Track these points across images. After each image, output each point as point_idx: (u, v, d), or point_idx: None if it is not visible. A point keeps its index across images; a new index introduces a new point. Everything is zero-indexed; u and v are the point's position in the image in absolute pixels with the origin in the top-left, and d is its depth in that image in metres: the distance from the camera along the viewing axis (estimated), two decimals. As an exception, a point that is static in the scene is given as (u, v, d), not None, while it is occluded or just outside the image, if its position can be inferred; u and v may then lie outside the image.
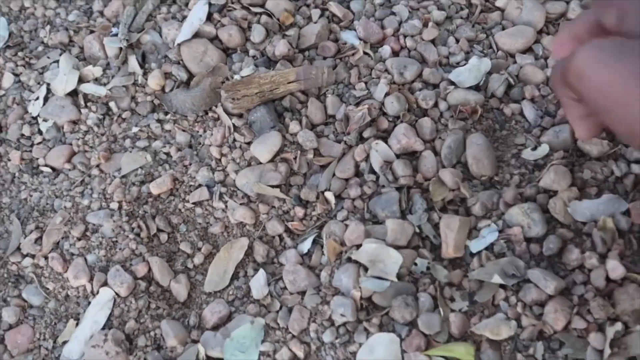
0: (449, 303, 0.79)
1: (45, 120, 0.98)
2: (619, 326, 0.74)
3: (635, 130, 0.52)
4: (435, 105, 0.90)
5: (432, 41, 0.96)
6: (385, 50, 0.96)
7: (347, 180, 0.87)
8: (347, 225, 0.83)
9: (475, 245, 0.81)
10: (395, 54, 0.96)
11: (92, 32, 1.03)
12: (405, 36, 0.96)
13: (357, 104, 0.90)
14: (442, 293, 0.79)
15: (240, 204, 0.87)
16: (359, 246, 0.82)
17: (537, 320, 0.76)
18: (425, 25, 0.97)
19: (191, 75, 0.97)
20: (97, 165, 0.93)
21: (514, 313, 0.77)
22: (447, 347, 0.76)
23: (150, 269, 0.85)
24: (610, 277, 0.77)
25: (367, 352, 0.77)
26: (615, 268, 0.76)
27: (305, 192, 0.86)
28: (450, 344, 0.76)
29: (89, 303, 0.84)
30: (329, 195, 0.86)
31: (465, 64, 0.94)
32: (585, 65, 0.54)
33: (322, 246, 0.84)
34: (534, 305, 0.77)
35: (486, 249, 0.80)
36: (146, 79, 0.97)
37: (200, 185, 0.89)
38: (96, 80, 0.99)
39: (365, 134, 0.88)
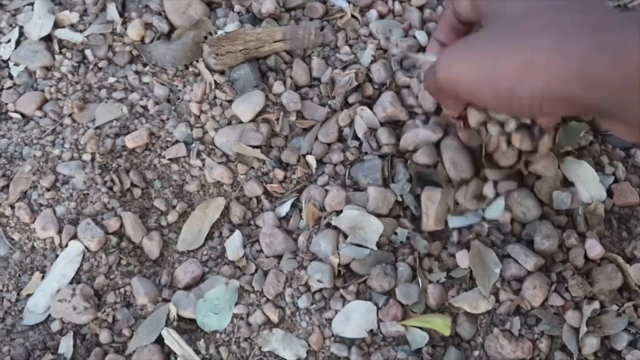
0: (427, 274, 0.78)
1: (16, 64, 0.94)
2: (596, 305, 0.74)
3: (504, 108, 0.58)
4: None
5: (420, 8, 0.94)
6: (372, 13, 0.94)
7: (329, 145, 0.85)
8: (327, 191, 0.82)
9: (455, 222, 0.80)
10: (381, 17, 0.94)
11: (70, -24, 0.99)
12: (393, 0, 0.94)
13: (344, 68, 0.88)
14: (420, 264, 0.78)
15: (219, 163, 0.85)
16: (339, 212, 0.80)
17: (515, 295, 0.76)
18: (414, -8, 0.96)
19: (172, 28, 0.93)
20: (70, 115, 0.89)
21: (493, 288, 0.76)
22: (424, 318, 0.75)
23: (122, 225, 0.82)
24: (589, 257, 0.77)
25: (342, 320, 0.76)
26: (593, 247, 0.76)
27: (286, 154, 0.84)
28: (427, 315, 0.76)
29: (57, 256, 0.81)
30: (310, 159, 0.84)
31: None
32: (445, 75, 0.59)
33: (300, 210, 0.82)
34: (513, 281, 0.76)
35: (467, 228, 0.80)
36: (125, 29, 0.93)
37: (177, 142, 0.86)
38: (72, 27, 0.95)
39: (350, 100, 0.87)
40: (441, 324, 0.75)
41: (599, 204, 0.79)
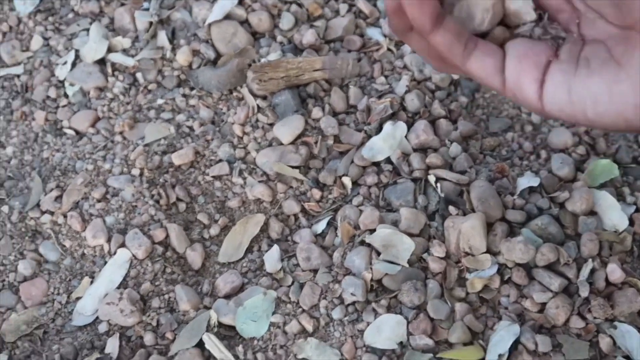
0: (455, 293, 0.82)
1: (71, 84, 1.00)
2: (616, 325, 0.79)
3: None
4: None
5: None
6: (407, 47, 0.99)
7: (364, 167, 0.90)
8: (361, 211, 0.86)
9: None
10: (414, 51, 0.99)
11: (123, 4, 1.05)
12: (428, 36, 1.00)
13: (379, 97, 0.93)
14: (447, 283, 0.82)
15: (259, 181, 0.90)
16: (372, 231, 0.85)
17: (539, 314, 0.80)
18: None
19: (218, 55, 0.99)
20: (121, 132, 0.95)
21: (516, 308, 0.81)
22: (455, 352, 0.79)
23: (167, 235, 0.88)
24: (610, 280, 0.81)
25: (374, 331, 0.80)
26: (614, 271, 0.81)
27: (323, 175, 0.89)
28: (458, 350, 0.79)
29: (105, 262, 0.86)
30: (346, 180, 0.89)
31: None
32: None
33: (336, 228, 0.87)
34: (537, 302, 0.80)
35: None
36: (174, 54, 1.00)
37: (220, 160, 0.92)
38: (124, 51, 1.02)
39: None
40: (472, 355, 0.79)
41: (624, 233, 0.83)
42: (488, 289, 0.82)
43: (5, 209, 0.91)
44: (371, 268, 0.82)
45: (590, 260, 0.81)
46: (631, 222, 0.86)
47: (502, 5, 0.53)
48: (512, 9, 0.54)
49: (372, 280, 0.81)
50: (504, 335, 0.79)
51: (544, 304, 0.80)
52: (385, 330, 0.80)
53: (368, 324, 0.80)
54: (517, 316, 0.81)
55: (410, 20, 0.51)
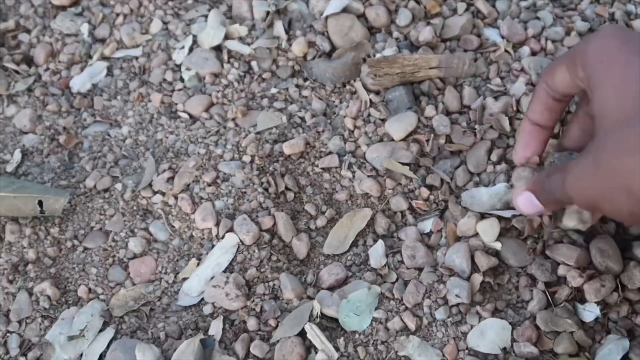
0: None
1: (188, 69, 1.02)
2: None
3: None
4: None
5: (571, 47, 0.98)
6: (525, 50, 0.98)
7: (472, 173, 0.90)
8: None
9: None
10: (533, 54, 0.98)
11: (242, -7, 1.07)
12: (547, 39, 0.98)
13: (495, 98, 0.92)
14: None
15: (368, 176, 0.90)
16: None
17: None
18: (567, 33, 0.99)
19: (334, 48, 1.00)
20: (233, 119, 0.97)
21: (627, 323, 0.79)
22: None
23: (275, 224, 0.88)
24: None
25: (477, 334, 0.79)
26: None
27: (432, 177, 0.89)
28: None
29: (213, 246, 0.88)
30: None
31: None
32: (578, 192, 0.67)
33: (441, 229, 0.87)
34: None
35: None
36: (290, 45, 1.00)
37: (330, 152, 0.92)
38: (241, 39, 1.03)
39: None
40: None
41: None
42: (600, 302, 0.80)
43: (119, 186, 0.94)
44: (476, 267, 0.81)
45: None
46: None
47: None
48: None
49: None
50: (612, 348, 0.77)
51: (656, 321, 0.78)
52: (489, 334, 0.79)
53: (472, 326, 0.79)
54: (627, 332, 0.79)
55: None
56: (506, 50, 0.98)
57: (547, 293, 0.80)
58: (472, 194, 0.87)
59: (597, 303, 0.79)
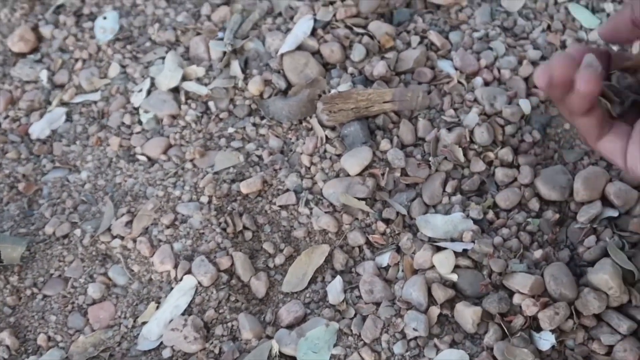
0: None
1: (146, 111, 1.02)
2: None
3: None
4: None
5: (526, 79, 0.99)
6: (478, 80, 0.98)
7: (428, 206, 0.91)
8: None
9: None
10: (486, 84, 0.98)
11: (198, 34, 1.07)
12: (499, 69, 0.99)
13: (449, 129, 0.93)
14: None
15: (325, 212, 0.90)
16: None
17: (606, 357, 0.78)
18: (520, 62, 1.00)
19: (290, 85, 1.00)
20: (192, 160, 0.97)
21: (583, 350, 0.79)
22: None
23: (233, 263, 0.88)
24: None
25: (436, 367, 0.79)
26: None
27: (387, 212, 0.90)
28: None
29: (172, 288, 0.88)
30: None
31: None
32: None
33: (398, 262, 0.87)
34: (604, 344, 0.78)
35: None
36: (246, 84, 1.01)
37: (288, 190, 0.92)
38: (198, 80, 1.04)
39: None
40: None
41: None
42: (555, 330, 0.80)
43: (77, 232, 0.94)
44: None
45: (661, 303, 0.79)
46: None
47: None
48: None
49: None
50: (569, 378, 0.77)
51: (611, 347, 0.78)
52: (447, 366, 0.79)
53: (430, 359, 0.80)
54: (584, 358, 0.79)
55: (569, 104, 0.60)
56: (459, 82, 0.98)
57: (502, 324, 0.80)
58: (427, 219, 0.88)
59: (553, 331, 0.79)
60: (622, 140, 0.62)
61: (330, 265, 0.89)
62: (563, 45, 1.02)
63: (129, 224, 0.93)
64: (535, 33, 1.04)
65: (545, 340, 0.79)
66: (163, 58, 1.07)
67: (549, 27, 1.05)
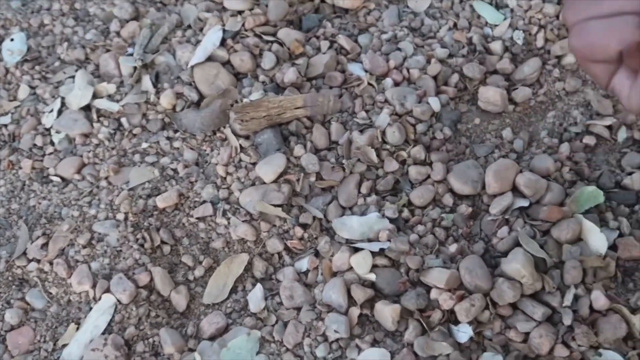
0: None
1: (58, 132, 1.01)
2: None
3: None
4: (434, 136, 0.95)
5: (435, 77, 1.00)
6: (388, 81, 1.00)
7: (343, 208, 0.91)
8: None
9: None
10: (396, 84, 1.00)
11: (108, 50, 1.07)
12: (408, 69, 1.01)
13: (361, 131, 0.94)
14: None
15: (243, 221, 0.90)
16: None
17: (523, 344, 0.79)
18: (428, 61, 1.02)
19: (202, 97, 1.00)
20: (106, 178, 0.96)
21: (501, 339, 0.80)
22: None
23: (152, 279, 0.88)
24: (594, 308, 0.80)
25: (359, 368, 0.80)
26: (598, 298, 0.80)
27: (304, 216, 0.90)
28: None
29: (91, 308, 0.87)
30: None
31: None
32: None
33: (317, 266, 0.87)
34: (521, 332, 0.80)
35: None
36: (158, 98, 1.00)
37: (204, 202, 0.92)
38: (110, 97, 1.03)
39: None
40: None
41: (608, 259, 0.83)
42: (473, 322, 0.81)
43: (-8, 258, 0.92)
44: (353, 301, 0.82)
45: (572, 287, 0.81)
46: (615, 247, 0.85)
47: None
48: None
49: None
50: (487, 367, 0.78)
51: (527, 334, 0.80)
52: (370, 365, 0.79)
53: (352, 360, 0.80)
54: (502, 347, 0.80)
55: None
56: (370, 83, 1.00)
57: (421, 319, 0.81)
58: (344, 221, 0.88)
59: (470, 323, 0.80)
60: (629, 79, 0.62)
61: (250, 273, 0.89)
62: (470, 42, 1.04)
63: (44, 246, 0.91)
64: (442, 32, 1.06)
65: (463, 333, 0.80)
66: (73, 77, 1.06)
67: (455, 25, 1.07)
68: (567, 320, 0.79)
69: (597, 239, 0.84)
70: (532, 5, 1.05)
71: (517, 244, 0.85)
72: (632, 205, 0.89)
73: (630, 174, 0.92)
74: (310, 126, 0.96)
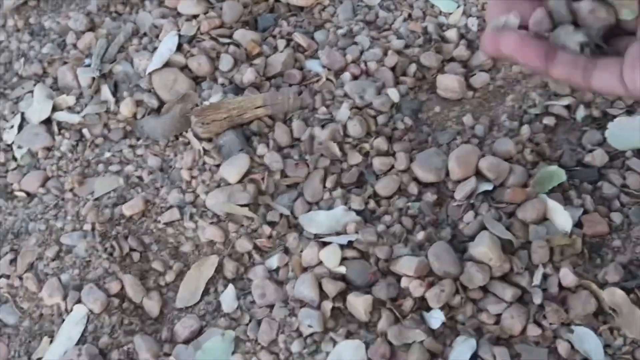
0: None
1: (19, 147, 1.01)
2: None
3: None
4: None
5: (393, 68, 1.01)
6: (346, 76, 1.00)
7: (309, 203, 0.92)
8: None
9: None
10: (355, 78, 1.00)
11: (65, 63, 1.06)
12: (366, 62, 1.01)
13: (322, 127, 0.94)
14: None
15: (210, 223, 0.90)
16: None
17: (495, 326, 0.80)
18: (385, 53, 1.02)
19: (162, 103, 1.00)
20: (71, 189, 0.96)
21: (473, 323, 0.81)
22: None
23: (123, 287, 0.88)
24: (563, 285, 0.81)
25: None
26: (566, 275, 0.81)
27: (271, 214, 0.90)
28: None
29: (63, 320, 0.87)
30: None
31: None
32: None
33: (287, 263, 0.88)
34: (492, 314, 0.81)
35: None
36: (118, 107, 1.00)
37: (171, 207, 0.92)
38: (69, 109, 1.02)
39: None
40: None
41: (574, 237, 0.85)
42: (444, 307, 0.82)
43: (-39, 277, 0.92)
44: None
45: (540, 266, 0.82)
46: (580, 224, 0.86)
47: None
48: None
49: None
50: (461, 351, 0.79)
51: (499, 315, 0.81)
52: (345, 356, 0.80)
53: (327, 353, 0.80)
54: (475, 330, 0.81)
55: (523, 65, 0.55)
56: (328, 79, 1.00)
57: (393, 309, 0.82)
58: (311, 217, 0.89)
59: (441, 308, 0.81)
60: (614, 70, 0.56)
61: (221, 275, 0.89)
62: (425, 32, 1.05)
63: (13, 262, 0.91)
64: (397, 23, 1.07)
65: (435, 319, 0.81)
66: (32, 92, 1.05)
67: (409, 15, 1.08)
68: (537, 299, 0.80)
69: (562, 218, 0.85)
70: (484, -8, 1.06)
71: (484, 227, 0.85)
72: (595, 182, 0.91)
73: (591, 151, 0.93)
74: (271, 125, 0.97)
